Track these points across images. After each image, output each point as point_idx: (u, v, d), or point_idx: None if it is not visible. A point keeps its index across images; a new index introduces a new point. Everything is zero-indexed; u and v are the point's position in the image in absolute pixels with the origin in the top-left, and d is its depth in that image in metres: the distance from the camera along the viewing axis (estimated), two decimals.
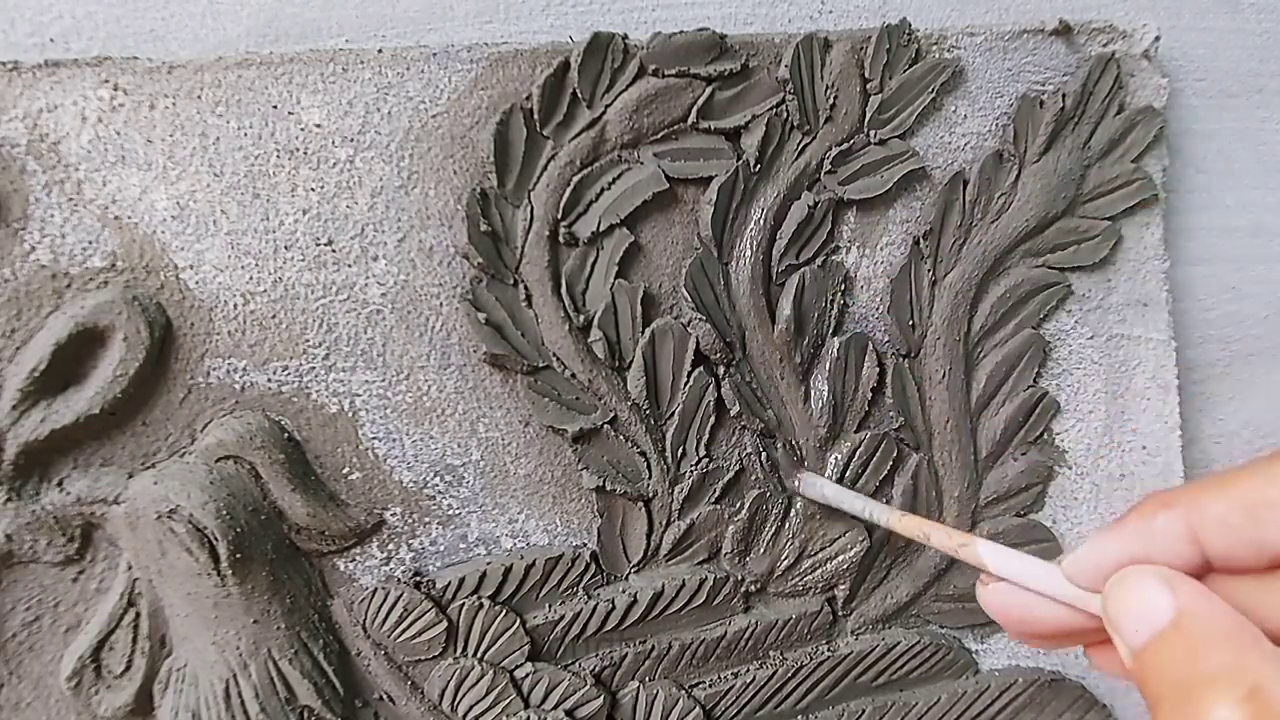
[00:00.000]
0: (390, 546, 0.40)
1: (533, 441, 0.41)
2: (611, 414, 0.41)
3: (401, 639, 0.40)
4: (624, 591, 0.42)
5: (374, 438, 0.40)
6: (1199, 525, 0.24)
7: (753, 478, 0.43)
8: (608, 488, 0.41)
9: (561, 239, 0.39)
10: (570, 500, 0.42)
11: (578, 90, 0.39)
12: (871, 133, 0.42)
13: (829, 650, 0.44)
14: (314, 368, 0.39)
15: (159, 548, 0.36)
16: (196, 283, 0.37)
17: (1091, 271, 0.45)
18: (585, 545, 0.42)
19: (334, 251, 0.38)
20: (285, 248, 0.38)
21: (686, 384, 0.41)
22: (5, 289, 0.36)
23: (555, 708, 0.41)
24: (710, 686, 0.43)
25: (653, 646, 0.43)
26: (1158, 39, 0.44)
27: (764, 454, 0.42)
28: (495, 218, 0.39)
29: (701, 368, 0.41)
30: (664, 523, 0.42)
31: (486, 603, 0.40)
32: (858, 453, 0.43)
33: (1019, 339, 0.45)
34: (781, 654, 0.44)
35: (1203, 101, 0.49)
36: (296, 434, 0.39)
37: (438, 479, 0.40)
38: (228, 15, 0.39)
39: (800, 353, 0.42)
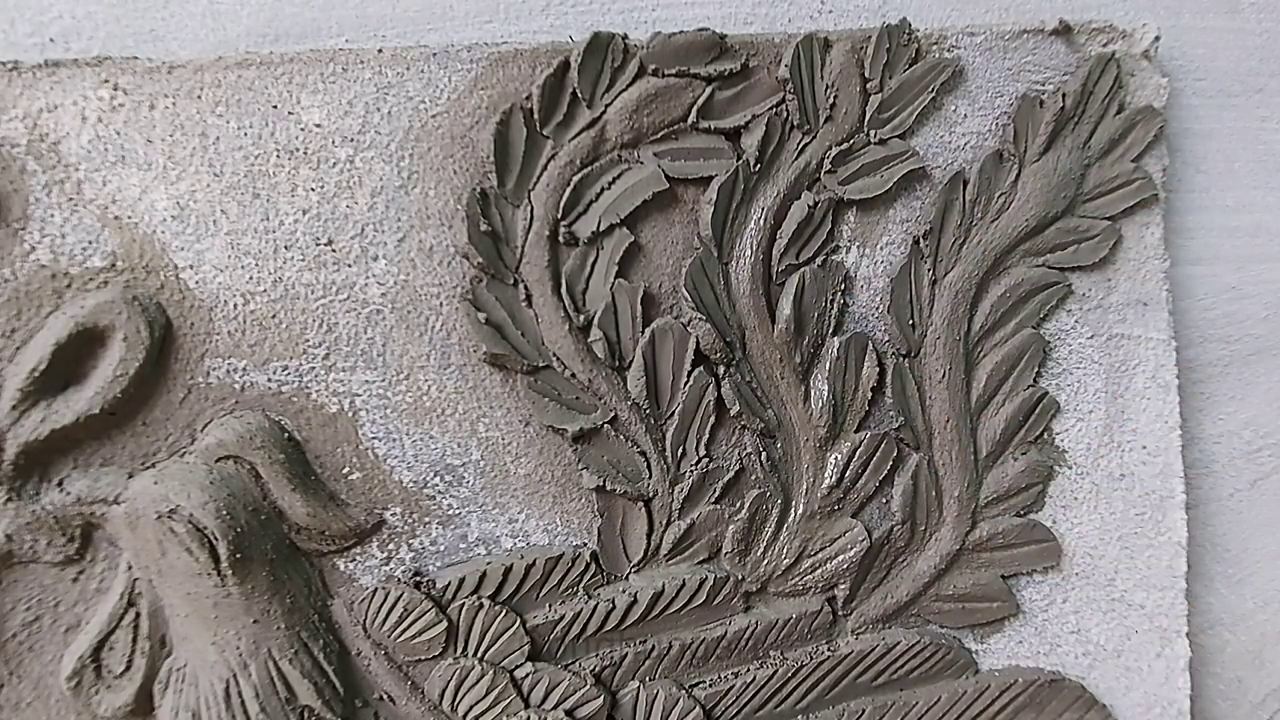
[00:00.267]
0: (390, 546, 0.40)
1: (533, 441, 0.41)
2: (611, 414, 0.41)
3: (401, 639, 0.40)
4: (624, 591, 0.42)
5: (374, 437, 0.40)
6: None
7: (753, 478, 0.43)
8: (608, 487, 0.41)
9: (561, 239, 0.39)
10: (570, 500, 0.42)
11: (578, 90, 0.39)
12: (871, 132, 0.42)
13: (829, 650, 0.44)
14: (314, 368, 0.39)
15: (159, 548, 0.36)
16: (196, 283, 0.38)
17: (1091, 271, 0.45)
18: (585, 545, 0.42)
19: (334, 251, 0.38)
20: (285, 248, 0.38)
21: (686, 384, 0.41)
22: (5, 289, 0.36)
23: (555, 708, 0.41)
24: (710, 686, 0.43)
25: (653, 646, 0.43)
26: (1158, 39, 0.44)
27: (764, 454, 0.42)
28: (495, 217, 0.39)
29: (701, 367, 0.41)
30: (664, 522, 0.42)
31: (486, 603, 0.40)
32: (858, 452, 0.43)
33: (1019, 339, 0.45)
34: (782, 654, 0.44)
35: (1203, 101, 0.49)
36: (296, 434, 0.39)
37: (438, 479, 0.40)
38: (228, 15, 0.39)
39: (800, 352, 0.42)
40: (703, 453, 0.42)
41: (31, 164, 0.36)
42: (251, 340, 0.38)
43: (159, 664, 0.38)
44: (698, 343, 0.41)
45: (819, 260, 0.42)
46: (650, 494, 0.42)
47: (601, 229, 0.40)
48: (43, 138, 0.36)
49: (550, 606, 0.42)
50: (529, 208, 0.39)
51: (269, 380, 0.38)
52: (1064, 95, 0.43)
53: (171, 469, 0.37)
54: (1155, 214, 0.46)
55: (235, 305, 0.38)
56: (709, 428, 0.41)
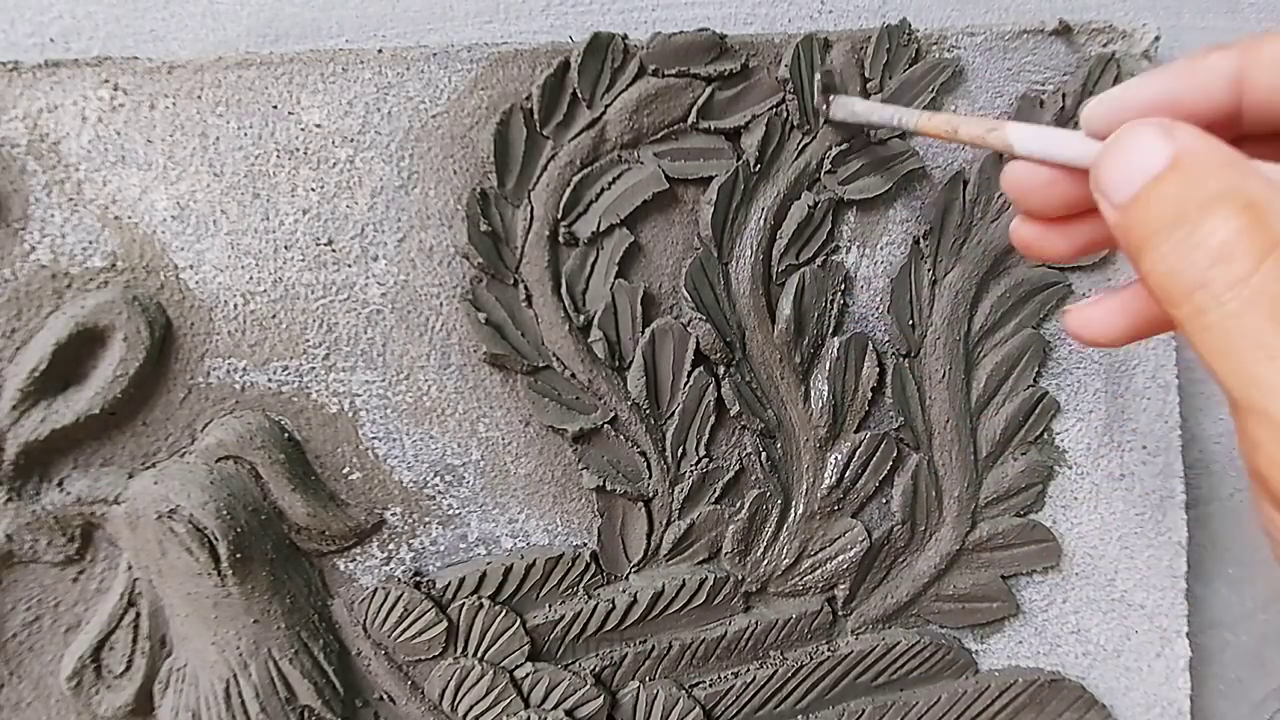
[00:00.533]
0: (390, 546, 0.40)
1: (533, 441, 0.41)
2: (611, 414, 0.41)
3: (402, 639, 0.40)
4: (624, 591, 0.42)
5: (374, 437, 0.40)
6: (1252, 64, 0.25)
7: (753, 478, 0.43)
8: (608, 487, 0.41)
9: (561, 239, 0.39)
10: (570, 500, 0.42)
11: (578, 90, 0.39)
12: (871, 133, 0.42)
13: (829, 650, 0.44)
14: (314, 368, 0.39)
15: (159, 548, 0.36)
16: (196, 283, 0.37)
17: (1091, 271, 0.45)
18: (585, 545, 0.42)
19: (334, 251, 0.38)
20: (285, 248, 0.38)
21: (686, 384, 0.41)
22: (5, 289, 0.36)
23: (555, 708, 0.41)
24: (710, 686, 0.43)
25: (653, 646, 0.43)
26: (1158, 39, 0.44)
27: (764, 454, 0.42)
28: (495, 218, 0.39)
29: (701, 368, 0.41)
30: (664, 522, 0.42)
31: (486, 603, 0.40)
32: (858, 452, 0.43)
33: (1019, 338, 0.45)
34: (782, 654, 0.44)
35: None
36: (296, 434, 0.39)
37: (438, 479, 0.40)
38: (228, 15, 0.39)
39: (800, 352, 0.42)
40: (703, 453, 0.42)
41: (31, 164, 0.36)
42: (252, 340, 0.38)
43: (159, 664, 0.38)
44: (698, 343, 0.41)
45: (819, 260, 0.42)
46: (650, 494, 0.42)
47: (601, 229, 0.40)
48: (43, 138, 0.36)
49: (550, 606, 0.42)
50: (529, 208, 0.39)
51: (269, 380, 0.38)
52: (1064, 95, 0.43)
53: (171, 469, 0.37)
54: None
55: (235, 305, 0.38)
56: (709, 428, 0.41)
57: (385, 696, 0.41)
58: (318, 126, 0.38)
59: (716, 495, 0.42)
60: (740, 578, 0.43)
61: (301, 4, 0.40)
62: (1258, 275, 0.21)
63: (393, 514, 0.40)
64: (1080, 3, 0.47)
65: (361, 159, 0.38)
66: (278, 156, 0.38)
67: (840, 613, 0.45)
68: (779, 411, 0.43)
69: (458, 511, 0.41)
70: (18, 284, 0.36)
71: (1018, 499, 0.46)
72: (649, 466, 0.41)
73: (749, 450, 0.42)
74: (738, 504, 0.43)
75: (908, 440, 0.44)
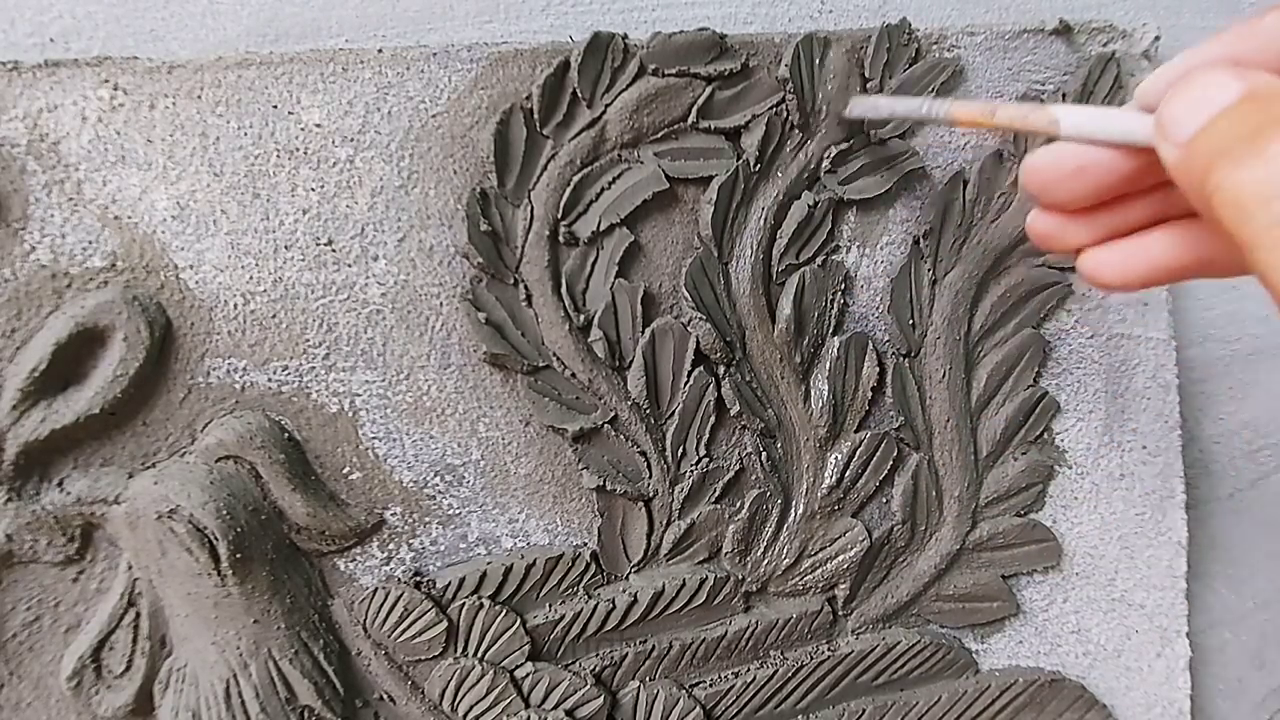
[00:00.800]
0: (390, 546, 0.40)
1: (533, 441, 0.41)
2: (611, 414, 0.41)
3: (402, 639, 0.40)
4: (624, 591, 0.42)
5: (374, 437, 0.40)
6: None
7: (753, 477, 0.43)
8: (608, 487, 0.41)
9: (561, 239, 0.39)
10: (570, 500, 0.42)
11: (578, 90, 0.39)
12: (871, 132, 0.42)
13: (829, 650, 0.44)
14: (314, 367, 0.39)
15: (159, 548, 0.36)
16: (196, 283, 0.37)
17: None
18: (585, 545, 0.42)
19: (334, 251, 0.38)
20: (285, 247, 0.38)
21: (686, 384, 0.41)
22: (5, 289, 0.36)
23: (555, 708, 0.41)
24: (710, 686, 0.43)
25: (653, 646, 0.43)
26: (1158, 39, 0.44)
27: (764, 453, 0.42)
28: (495, 217, 0.39)
29: (701, 367, 0.41)
30: (664, 522, 0.42)
31: (487, 602, 0.40)
32: (858, 452, 0.43)
33: (1019, 338, 0.45)
34: (782, 653, 0.44)
35: None
36: (296, 434, 0.39)
37: (438, 479, 0.40)
38: (228, 15, 0.39)
39: (800, 352, 0.42)
40: (703, 453, 0.42)
41: (31, 164, 0.36)
42: (251, 340, 0.38)
43: (159, 664, 0.38)
44: (698, 343, 0.41)
45: (819, 260, 0.42)
46: (650, 494, 0.42)
47: (601, 229, 0.40)
48: (43, 138, 0.36)
49: (550, 606, 0.42)
50: (529, 208, 0.39)
51: (269, 380, 0.38)
52: (1064, 95, 0.43)
53: (171, 469, 0.37)
54: None
55: (235, 305, 0.38)
56: (709, 428, 0.41)
57: (385, 696, 0.41)
58: (318, 126, 0.38)
59: (717, 495, 0.42)
60: (740, 577, 0.43)
61: (301, 4, 0.40)
62: None
63: (393, 514, 0.40)
64: (1080, 2, 0.47)
65: (361, 159, 0.38)
66: (278, 156, 0.38)
67: (840, 612, 0.45)
68: (779, 411, 0.43)
69: (458, 511, 0.41)
70: (18, 284, 0.36)
71: (1018, 499, 0.46)
72: (649, 466, 0.41)
73: (749, 450, 0.42)
74: (738, 504, 0.43)
75: (908, 440, 0.44)
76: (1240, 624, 0.53)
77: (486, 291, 0.39)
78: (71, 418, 0.36)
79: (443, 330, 0.39)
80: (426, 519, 0.40)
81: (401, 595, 0.39)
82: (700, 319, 0.41)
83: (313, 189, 0.38)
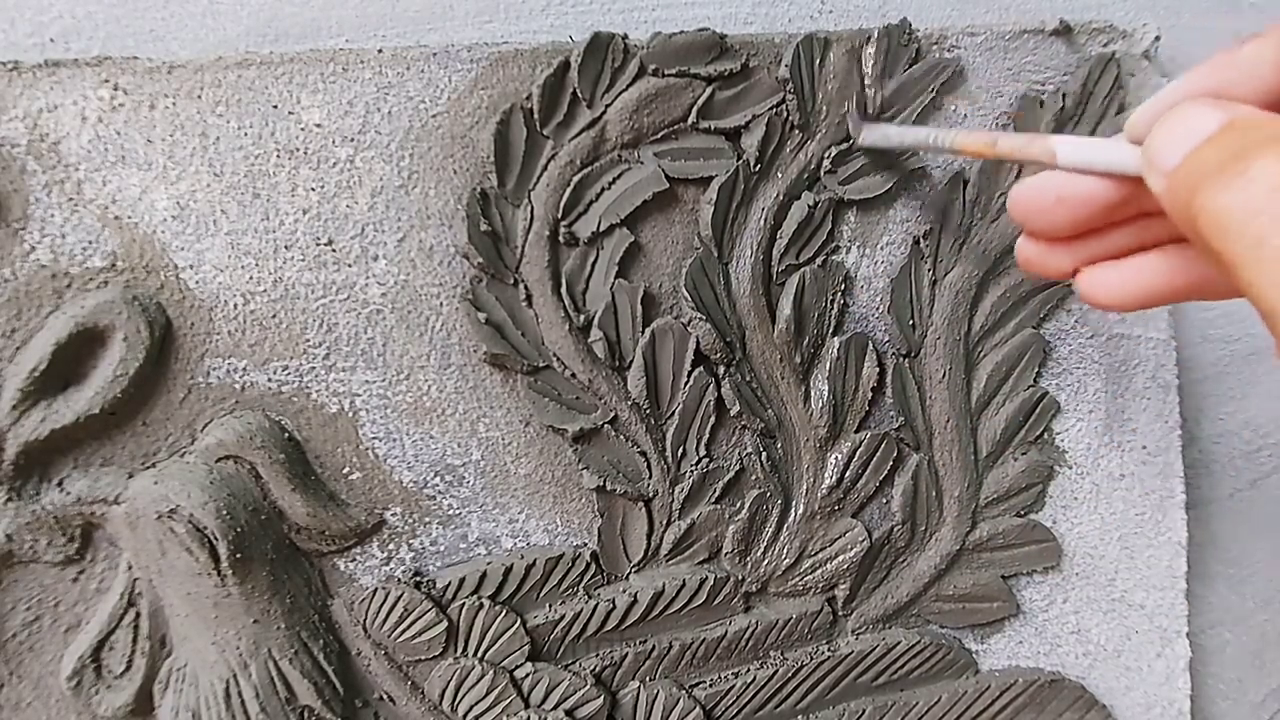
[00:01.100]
0: (390, 546, 0.40)
1: (533, 441, 0.41)
2: (612, 414, 0.41)
3: (402, 639, 0.40)
4: (624, 591, 0.42)
5: (374, 437, 0.40)
6: None
7: (753, 478, 0.43)
8: (608, 487, 0.41)
9: (561, 239, 0.39)
10: (571, 500, 0.42)
11: (578, 90, 0.39)
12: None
13: (829, 650, 0.44)
14: (314, 368, 0.39)
15: (159, 548, 0.36)
16: (196, 282, 0.37)
17: None
18: (585, 545, 0.42)
19: (334, 251, 0.38)
20: (285, 247, 0.38)
21: (686, 384, 0.41)
22: (5, 289, 0.36)
23: (555, 708, 0.41)
24: (710, 686, 0.43)
25: (653, 646, 0.43)
26: (1158, 39, 0.44)
27: (764, 454, 0.42)
28: (495, 217, 0.39)
29: (701, 367, 0.41)
30: (664, 522, 0.42)
31: (487, 603, 0.40)
32: (858, 452, 0.43)
33: (1019, 339, 0.45)
34: (782, 654, 0.44)
35: None
36: (296, 434, 0.39)
37: (438, 479, 0.40)
38: (228, 15, 0.39)
39: (800, 352, 0.42)
40: (703, 453, 0.42)
41: (31, 164, 0.36)
42: (251, 340, 0.38)
43: (159, 664, 0.38)
44: (698, 343, 0.41)
45: (819, 260, 0.42)
46: (650, 494, 0.42)
47: (601, 229, 0.40)
48: (43, 138, 0.36)
49: (550, 606, 0.42)
50: (529, 208, 0.39)
51: (269, 380, 0.38)
52: (1064, 95, 0.43)
53: (171, 469, 0.37)
54: None
55: (235, 305, 0.38)
56: (709, 428, 0.41)
57: (385, 696, 0.41)
58: (318, 126, 0.38)
59: (717, 495, 0.42)
60: (740, 578, 0.43)
61: (301, 4, 0.40)
62: None
63: (393, 514, 0.40)
64: (1080, 3, 0.47)
65: (361, 159, 0.38)
66: (278, 156, 0.38)
67: (840, 613, 0.45)
68: (779, 411, 0.43)
69: (458, 511, 0.41)
70: (18, 284, 0.36)
71: (1018, 499, 0.46)
72: (649, 466, 0.41)
73: (749, 450, 0.42)
74: (738, 504, 0.43)
75: (908, 440, 0.44)
76: (1240, 624, 0.53)
77: (486, 291, 0.39)
78: (71, 418, 0.36)
79: (443, 330, 0.39)
80: (426, 519, 0.40)
81: (401, 595, 0.39)
82: (700, 319, 0.41)
83: (313, 189, 0.38)
